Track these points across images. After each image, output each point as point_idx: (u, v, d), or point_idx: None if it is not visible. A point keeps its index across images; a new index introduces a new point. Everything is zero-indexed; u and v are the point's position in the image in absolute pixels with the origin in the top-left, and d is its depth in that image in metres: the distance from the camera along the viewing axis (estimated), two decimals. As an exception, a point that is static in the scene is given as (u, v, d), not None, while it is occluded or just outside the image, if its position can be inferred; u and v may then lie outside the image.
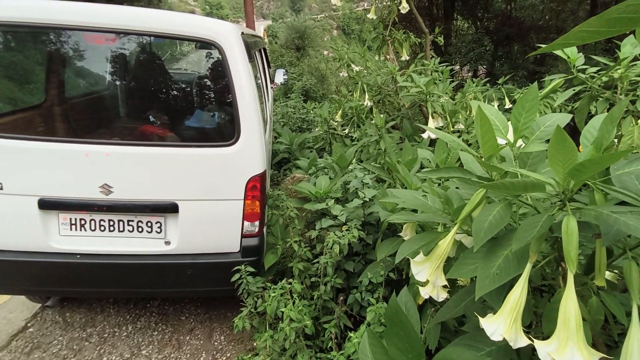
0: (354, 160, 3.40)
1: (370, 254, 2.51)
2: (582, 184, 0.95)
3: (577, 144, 1.21)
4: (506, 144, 1.20)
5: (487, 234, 1.01)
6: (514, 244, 0.92)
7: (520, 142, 1.22)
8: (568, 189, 0.91)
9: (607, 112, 0.95)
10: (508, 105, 4.43)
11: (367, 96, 4.35)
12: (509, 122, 1.22)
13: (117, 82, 2.72)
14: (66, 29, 2.18)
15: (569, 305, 0.84)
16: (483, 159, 1.09)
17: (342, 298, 2.35)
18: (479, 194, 1.11)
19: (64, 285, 2.40)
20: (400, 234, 1.80)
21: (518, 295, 0.96)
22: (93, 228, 2.27)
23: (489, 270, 1.04)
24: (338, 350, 2.03)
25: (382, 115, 3.71)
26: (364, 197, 2.46)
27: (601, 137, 0.90)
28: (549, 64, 10.59)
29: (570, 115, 1.20)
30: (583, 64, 1.62)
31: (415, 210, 1.81)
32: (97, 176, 2.17)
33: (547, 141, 1.14)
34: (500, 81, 4.82)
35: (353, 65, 4.75)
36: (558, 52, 1.54)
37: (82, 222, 2.26)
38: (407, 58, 5.11)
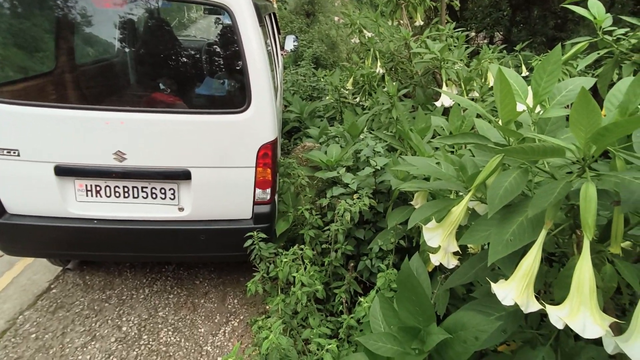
0: (365, 128, 3.37)
1: (381, 222, 2.53)
2: (602, 151, 0.92)
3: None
4: (525, 109, 1.16)
5: (502, 200, 1.00)
6: (530, 210, 0.91)
7: (538, 108, 1.18)
8: (589, 155, 0.89)
9: (634, 76, 0.91)
10: (525, 72, 4.29)
11: (379, 63, 4.25)
12: (529, 87, 1.18)
13: (128, 49, 2.69)
14: None
15: (584, 271, 0.84)
16: (501, 124, 1.06)
17: (352, 264, 2.39)
18: (495, 160, 1.09)
19: (83, 249, 2.47)
20: (412, 202, 1.80)
21: (531, 261, 0.96)
22: (108, 194, 2.31)
23: (502, 236, 1.04)
24: (348, 314, 2.08)
25: (394, 83, 3.63)
26: (375, 165, 2.45)
27: (627, 101, 0.87)
28: (570, 30, 10.14)
29: (594, 80, 1.16)
30: (610, 26, 1.54)
31: (427, 179, 1.80)
32: (111, 143, 2.18)
33: (568, 107, 1.11)
34: (517, 47, 4.65)
35: (365, 32, 4.62)
36: (584, 13, 1.47)
37: (98, 188, 2.30)
38: (421, 23, 4.94)
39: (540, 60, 4.26)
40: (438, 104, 3.50)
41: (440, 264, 1.28)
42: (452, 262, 1.27)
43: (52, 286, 2.88)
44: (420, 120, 2.65)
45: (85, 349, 2.39)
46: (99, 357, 2.35)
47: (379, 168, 2.46)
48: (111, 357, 2.35)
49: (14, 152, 2.14)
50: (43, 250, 2.49)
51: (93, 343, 2.44)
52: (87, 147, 2.19)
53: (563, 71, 3.75)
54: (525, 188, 1.12)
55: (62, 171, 2.22)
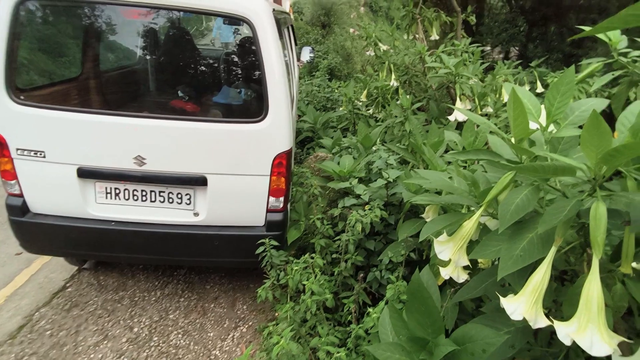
0: (379, 140, 3.40)
1: (392, 234, 2.55)
2: (614, 171, 0.94)
3: (613, 131, 1.19)
4: (537, 128, 1.19)
5: (513, 216, 1.02)
6: (540, 226, 0.93)
7: (552, 126, 1.21)
8: (599, 175, 0.91)
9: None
10: (540, 89, 4.29)
11: (393, 76, 4.29)
12: (542, 106, 1.21)
13: (150, 57, 2.78)
14: (103, 4, 2.24)
15: (592, 289, 0.86)
16: (513, 142, 1.09)
17: (361, 275, 2.41)
18: (507, 177, 1.11)
19: (100, 250, 2.54)
20: (423, 215, 1.82)
21: (541, 277, 0.98)
22: (127, 197, 2.38)
23: (512, 251, 1.06)
24: (357, 324, 2.10)
25: (408, 96, 3.67)
26: (388, 177, 2.47)
27: (639, 123, 0.89)
28: (587, 47, 10.08)
29: (607, 101, 1.18)
30: (625, 47, 1.56)
31: (439, 193, 1.83)
32: (131, 148, 2.26)
33: (581, 127, 1.13)
34: (533, 64, 4.66)
35: (380, 44, 4.67)
36: (599, 34, 1.49)
37: (117, 191, 2.37)
38: (437, 38, 4.98)
39: (555, 77, 4.27)
40: (452, 118, 3.52)
41: (450, 277, 1.30)
42: (462, 277, 1.29)
43: (68, 285, 2.96)
44: (434, 134, 2.68)
45: (97, 347, 2.45)
46: (110, 357, 2.39)
47: (391, 180, 2.49)
48: (122, 357, 2.40)
49: (41, 154, 2.23)
50: (62, 249, 2.57)
51: (105, 342, 2.49)
52: (109, 150, 2.27)
53: (579, 89, 3.75)
54: (537, 205, 1.14)
55: (84, 173, 2.30)
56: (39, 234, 2.40)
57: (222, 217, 2.44)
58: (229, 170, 2.34)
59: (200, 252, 2.53)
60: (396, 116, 3.60)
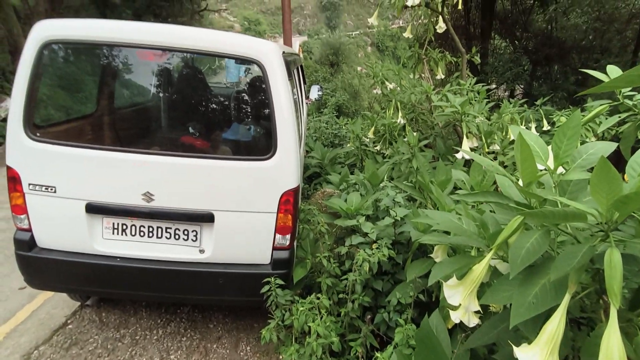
0: (386, 177, 3.41)
1: (400, 274, 2.49)
2: (626, 216, 0.92)
3: (622, 172, 1.18)
4: (546, 170, 1.18)
5: (524, 261, 1.00)
6: (553, 274, 0.90)
7: (560, 169, 1.20)
8: (611, 221, 0.89)
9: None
10: (546, 127, 4.32)
11: (400, 114, 4.36)
12: (549, 147, 1.21)
13: (163, 95, 2.87)
14: (120, 46, 2.34)
15: (612, 342, 0.82)
16: (522, 185, 1.08)
17: (369, 317, 2.34)
18: (517, 220, 1.10)
19: (103, 286, 2.51)
20: (432, 255, 1.79)
21: (555, 326, 0.94)
22: (133, 233, 2.38)
23: (525, 298, 1.03)
24: (364, 370, 2.02)
25: (415, 134, 3.71)
26: (395, 216, 2.45)
27: (649, 169, 0.88)
28: (590, 86, 10.22)
29: (615, 145, 1.18)
30: (630, 90, 1.58)
31: (448, 232, 1.80)
32: (141, 184, 2.28)
33: (590, 169, 1.12)
34: (538, 102, 4.71)
35: (387, 83, 4.78)
36: (603, 78, 1.51)
37: (124, 227, 2.38)
38: (443, 77, 5.09)
39: (561, 115, 4.30)
40: (459, 156, 3.53)
41: (461, 321, 1.26)
42: (473, 321, 1.24)
43: (69, 321, 2.90)
44: (441, 173, 2.68)
45: (95, 389, 2.37)
46: (108, 400, 2.31)
47: (399, 219, 2.46)
48: (120, 400, 2.32)
49: (52, 189, 2.26)
50: (66, 285, 2.54)
51: (103, 384, 2.41)
52: (118, 186, 2.30)
53: (586, 128, 3.76)
54: (548, 248, 1.12)
55: (93, 209, 2.31)
56: (44, 268, 2.39)
57: (228, 254, 2.42)
58: (236, 207, 2.34)
59: (205, 290, 2.48)
60: (403, 153, 3.63)
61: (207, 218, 2.34)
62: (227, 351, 2.75)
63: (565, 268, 0.89)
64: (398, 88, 4.81)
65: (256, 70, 2.36)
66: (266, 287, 2.29)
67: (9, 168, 2.27)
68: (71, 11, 10.85)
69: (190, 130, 2.65)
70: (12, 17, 8.82)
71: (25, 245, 2.35)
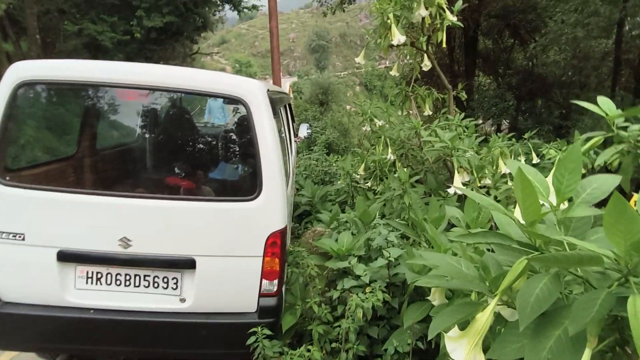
0: (378, 215, 3.31)
1: (396, 319, 2.34)
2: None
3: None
4: (548, 207, 1.10)
5: (534, 311, 0.89)
6: (570, 328, 0.79)
7: (563, 205, 1.12)
8: (632, 263, 0.79)
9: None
10: (535, 160, 4.32)
11: (390, 150, 4.33)
12: (549, 182, 1.13)
13: (145, 136, 2.80)
14: (99, 86, 2.29)
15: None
16: (525, 225, 0.99)
17: (365, 368, 2.16)
18: (521, 264, 0.99)
19: (76, 342, 2.32)
20: (429, 297, 1.67)
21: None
22: (109, 282, 2.22)
23: (539, 353, 0.91)
24: None
25: (405, 169, 3.65)
26: (389, 256, 2.33)
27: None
28: (574, 119, 10.47)
29: (619, 177, 1.10)
30: (623, 121, 1.53)
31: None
32: (117, 229, 2.15)
33: (598, 205, 1.04)
34: (526, 136, 4.74)
35: (375, 120, 4.79)
36: (595, 110, 1.47)
37: (99, 275, 2.22)
38: (430, 113, 5.14)
39: (549, 148, 4.30)
40: (451, 191, 3.46)
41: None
42: (480, 378, 1.11)
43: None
44: (434, 210, 2.59)
45: None
46: None
47: (393, 259, 2.34)
48: None
49: (20, 237, 2.11)
50: (34, 343, 2.33)
51: None
52: (93, 232, 2.17)
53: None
54: (559, 294, 1.01)
55: (65, 256, 2.16)
56: (10, 326, 2.19)
57: (211, 302, 2.25)
58: (219, 252, 2.21)
59: (186, 343, 2.29)
60: (394, 189, 3.55)
61: (188, 264, 2.19)
62: (211, 411, 2.50)
63: (584, 320, 0.78)
64: (387, 125, 4.82)
65: (241, 108, 2.31)
66: (252, 338, 2.11)
67: None
68: (63, 55, 11.01)
69: (174, 170, 2.55)
70: (4, 63, 8.91)
71: None
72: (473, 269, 1.26)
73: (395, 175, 3.93)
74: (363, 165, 4.62)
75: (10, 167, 2.22)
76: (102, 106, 2.53)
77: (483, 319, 1.05)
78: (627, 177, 1.54)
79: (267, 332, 2.11)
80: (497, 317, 1.26)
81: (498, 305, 1.21)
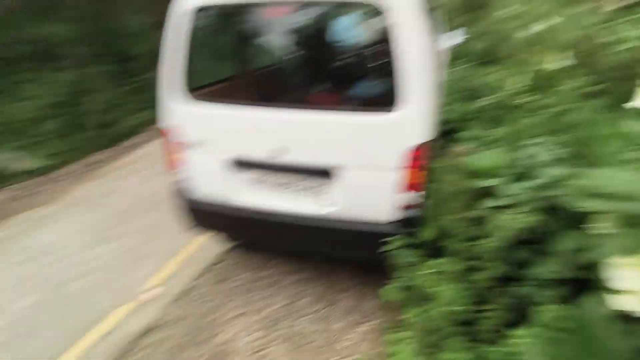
0: (534, 132, 2.91)
1: (545, 244, 2.14)
2: None
3: None
4: None
5: None
6: None
7: None
8: None
9: None
10: None
11: (557, 57, 3.63)
12: None
13: (290, 52, 2.94)
14: (254, 6, 2.45)
15: None
16: None
17: (504, 288, 2.09)
18: None
19: (246, 232, 2.83)
20: (591, 225, 1.46)
21: None
22: (271, 186, 2.56)
23: None
24: (495, 345, 1.83)
25: (576, 80, 3.04)
26: (544, 176, 2.08)
27: None
28: None
29: None
30: None
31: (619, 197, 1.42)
32: (277, 140, 2.39)
33: None
34: None
35: (540, 22, 4.01)
36: None
37: (263, 180, 2.56)
38: (614, 7, 4.06)
39: None
40: (635, 104, 2.79)
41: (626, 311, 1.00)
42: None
43: (219, 261, 3.35)
44: (608, 125, 2.15)
45: (232, 322, 2.73)
46: (242, 334, 2.64)
47: (548, 180, 2.08)
48: (251, 335, 2.63)
49: (203, 145, 2.55)
50: (216, 229, 2.94)
51: (240, 318, 2.76)
52: (257, 143, 2.46)
53: None
54: None
55: (236, 163, 2.55)
56: (197, 215, 2.76)
57: (355, 211, 2.42)
58: (364, 163, 2.30)
59: (331, 245, 2.56)
60: (560, 104, 3.03)
61: (334, 173, 2.35)
62: (352, 304, 2.83)
63: None
64: (555, 26, 3.99)
65: (382, 16, 2.18)
66: (391, 246, 2.22)
67: (167, 128, 2.61)
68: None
69: (320, 87, 2.65)
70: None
71: (183, 195, 2.73)
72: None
73: (563, 87, 3.32)
74: (521, 77, 4.01)
75: (194, 86, 2.61)
76: (259, 26, 2.73)
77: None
78: None
79: (406, 241, 2.19)
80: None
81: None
